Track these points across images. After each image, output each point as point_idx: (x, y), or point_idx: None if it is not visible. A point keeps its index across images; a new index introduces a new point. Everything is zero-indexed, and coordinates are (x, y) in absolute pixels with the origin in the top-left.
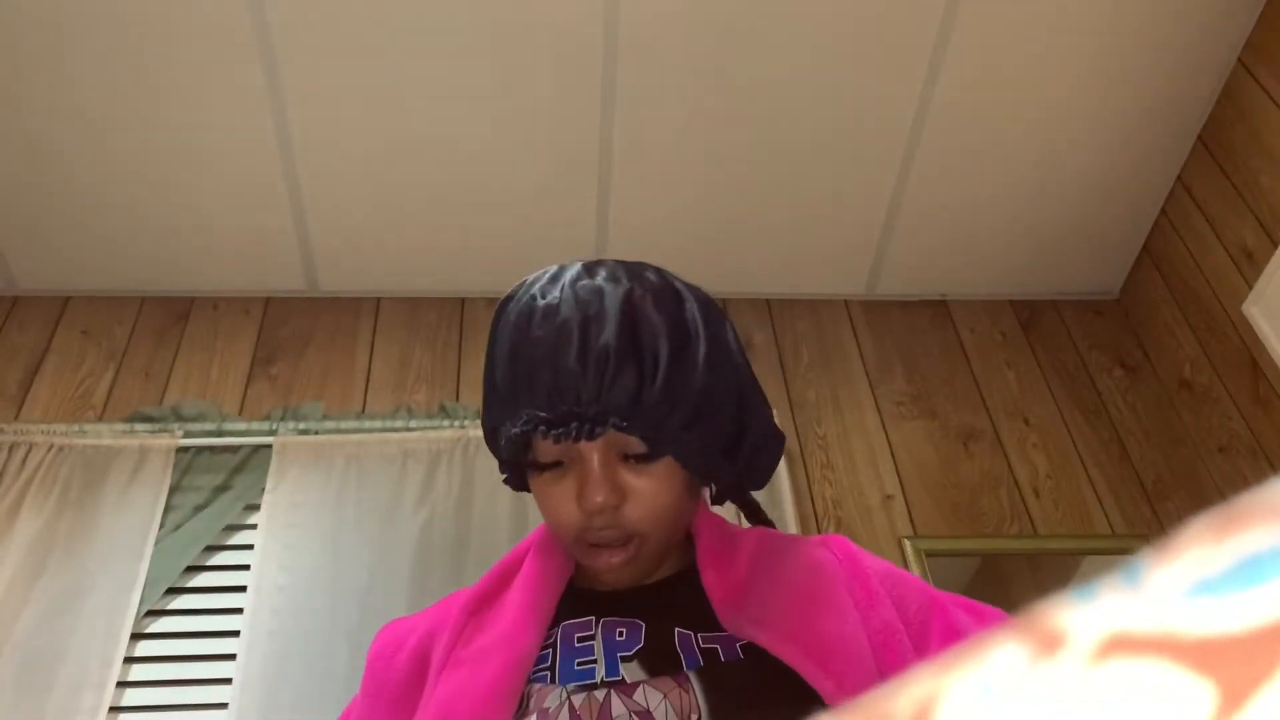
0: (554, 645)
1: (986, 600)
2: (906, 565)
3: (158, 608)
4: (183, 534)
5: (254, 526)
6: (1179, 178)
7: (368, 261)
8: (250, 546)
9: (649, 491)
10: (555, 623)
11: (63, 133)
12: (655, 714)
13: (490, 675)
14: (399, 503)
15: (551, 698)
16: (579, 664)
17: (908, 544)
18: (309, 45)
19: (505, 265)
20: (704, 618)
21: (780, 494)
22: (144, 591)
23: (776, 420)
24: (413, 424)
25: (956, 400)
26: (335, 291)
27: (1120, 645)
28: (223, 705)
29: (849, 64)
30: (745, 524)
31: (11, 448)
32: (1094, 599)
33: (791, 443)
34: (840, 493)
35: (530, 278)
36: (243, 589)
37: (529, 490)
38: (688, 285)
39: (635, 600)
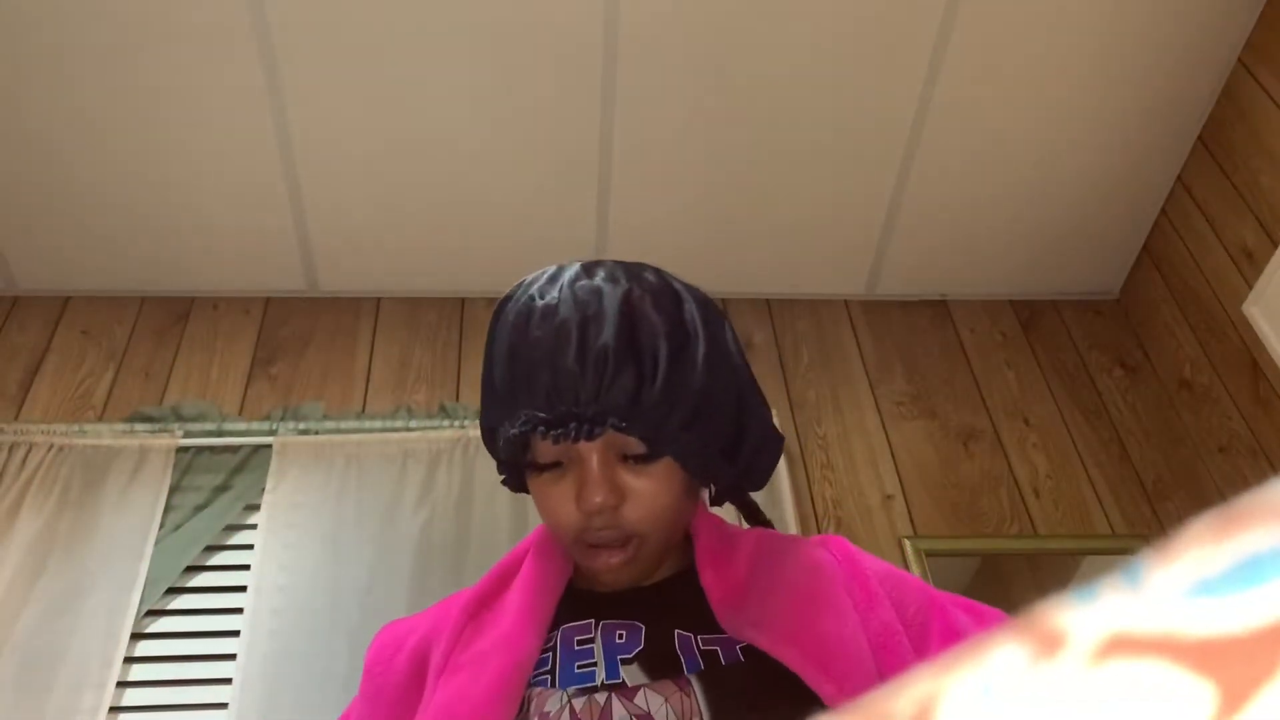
0: (554, 648)
1: (986, 600)
2: (906, 565)
3: (158, 608)
4: (183, 534)
5: (254, 526)
6: (1179, 178)
7: (368, 261)
8: (250, 546)
9: (648, 492)
10: (555, 625)
11: (63, 133)
12: (656, 718)
13: (490, 679)
14: (399, 503)
15: (552, 701)
16: (579, 667)
17: (908, 544)
18: (309, 45)
19: (505, 265)
20: (703, 619)
21: (780, 494)
22: (144, 591)
23: (776, 420)
24: (413, 424)
25: (956, 400)
26: (335, 291)
27: (1120, 646)
28: (223, 705)
29: (849, 64)
30: (744, 525)
31: (11, 448)
32: (1094, 599)
33: (791, 443)
34: (840, 493)
35: (529, 278)
36: (243, 589)
37: (527, 491)
38: (686, 285)
39: (634, 601)
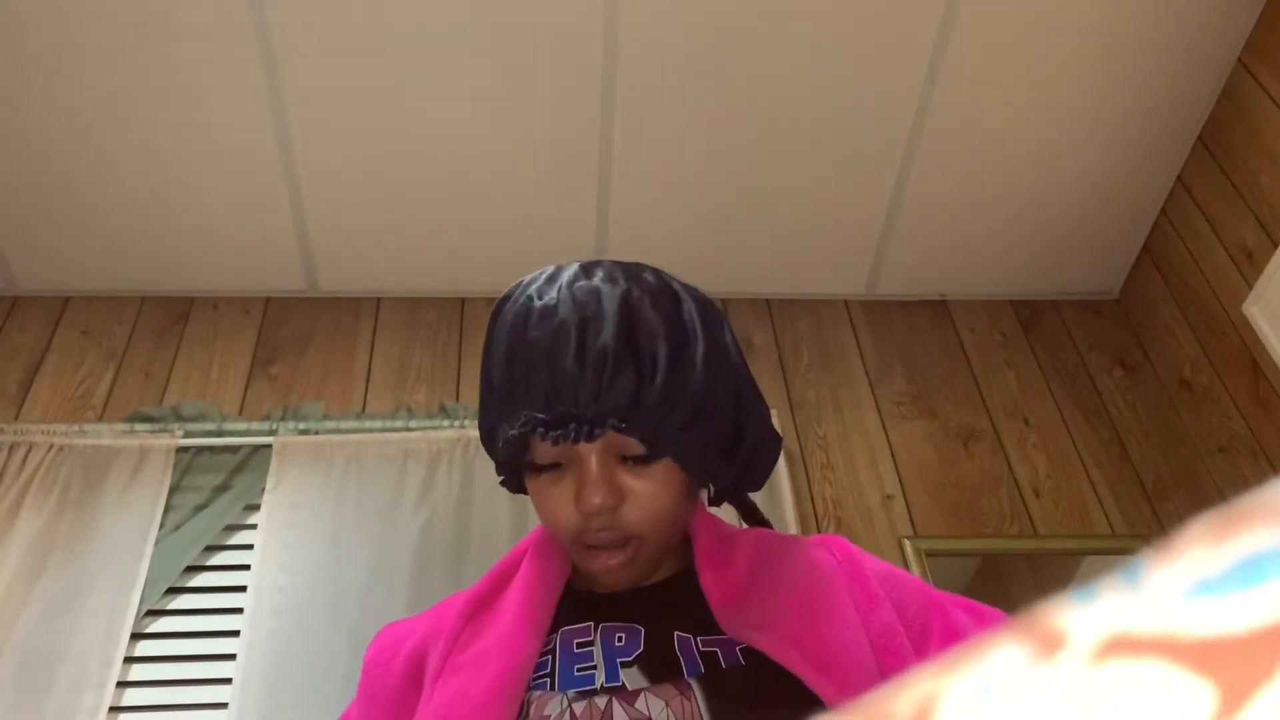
0: (553, 651)
1: (986, 600)
2: (906, 565)
3: (158, 608)
4: (183, 534)
5: (254, 526)
6: (1179, 178)
7: (368, 261)
8: (250, 546)
9: (647, 493)
10: (554, 626)
11: (63, 133)
12: None
13: (489, 680)
14: (399, 503)
15: (552, 705)
16: (579, 670)
17: (908, 544)
18: (309, 45)
19: (505, 265)
20: (703, 620)
21: (780, 494)
22: (144, 591)
23: (776, 421)
24: (413, 424)
25: (956, 400)
26: (335, 291)
27: (1120, 646)
28: (223, 705)
29: (849, 64)
30: (743, 525)
31: (11, 448)
32: (1094, 599)
33: (791, 443)
34: (840, 493)
35: (527, 278)
36: (243, 589)
37: (526, 492)
38: (685, 286)
39: (633, 602)
